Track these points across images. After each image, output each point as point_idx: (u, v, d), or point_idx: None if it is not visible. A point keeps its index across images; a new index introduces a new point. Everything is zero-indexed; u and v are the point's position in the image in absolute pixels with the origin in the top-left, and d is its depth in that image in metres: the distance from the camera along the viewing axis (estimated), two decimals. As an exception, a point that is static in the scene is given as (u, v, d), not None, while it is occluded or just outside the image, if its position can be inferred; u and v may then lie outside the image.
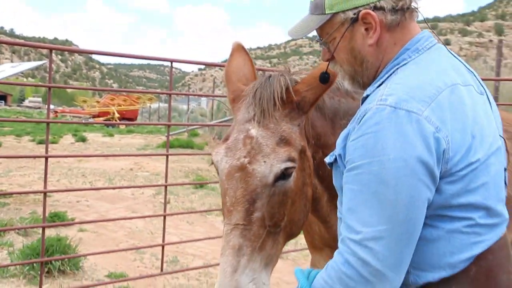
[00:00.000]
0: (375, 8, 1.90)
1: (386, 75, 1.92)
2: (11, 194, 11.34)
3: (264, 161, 2.10)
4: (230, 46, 2.67)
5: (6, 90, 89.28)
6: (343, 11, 1.94)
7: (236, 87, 2.45)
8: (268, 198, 2.09)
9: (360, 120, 1.79)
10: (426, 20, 2.13)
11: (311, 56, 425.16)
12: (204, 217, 10.72)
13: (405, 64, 1.91)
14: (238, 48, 2.61)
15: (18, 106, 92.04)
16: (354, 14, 1.92)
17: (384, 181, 1.68)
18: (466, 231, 1.77)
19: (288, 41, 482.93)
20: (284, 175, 2.11)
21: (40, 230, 5.98)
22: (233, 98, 2.43)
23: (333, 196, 2.22)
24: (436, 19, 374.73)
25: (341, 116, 2.58)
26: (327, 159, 2.01)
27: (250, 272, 2.01)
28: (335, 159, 1.94)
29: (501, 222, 1.85)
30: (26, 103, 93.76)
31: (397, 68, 1.91)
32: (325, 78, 2.14)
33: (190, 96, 37.74)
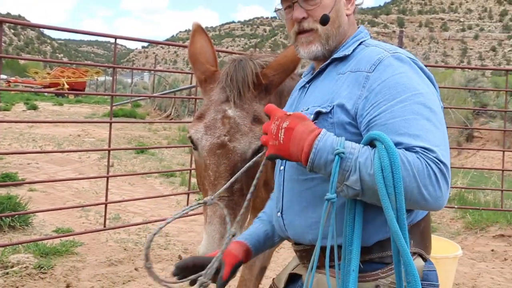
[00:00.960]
0: None
1: (355, 43, 1.95)
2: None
3: (243, 139, 2.18)
4: (191, 26, 2.60)
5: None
6: None
7: (205, 68, 2.43)
8: (246, 171, 2.03)
9: (375, 67, 1.76)
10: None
11: (242, 39, 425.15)
12: (144, 179, 10.71)
13: (365, 40, 1.97)
14: (199, 30, 2.55)
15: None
16: None
17: (431, 109, 1.68)
18: None
19: (222, 25, 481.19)
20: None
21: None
22: (204, 79, 2.42)
23: (273, 163, 2.18)
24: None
25: (285, 94, 2.59)
26: (322, 108, 1.84)
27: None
28: (332, 109, 1.80)
29: None
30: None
31: (361, 42, 1.96)
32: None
33: (134, 71, 37.28)
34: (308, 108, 1.90)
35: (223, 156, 2.17)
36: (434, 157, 1.56)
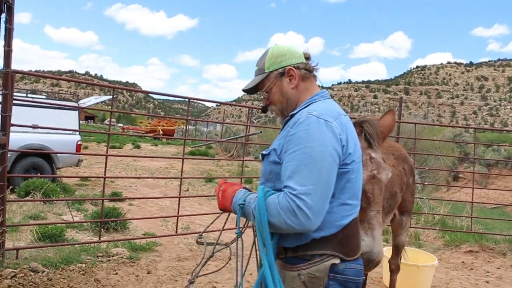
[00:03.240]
0: (295, 67, 2.04)
1: (305, 105, 2.00)
2: (88, 178, 11.42)
3: (384, 172, 2.39)
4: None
5: (93, 113, 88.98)
6: (276, 69, 2.05)
7: None
8: (384, 193, 2.37)
9: (295, 124, 1.85)
10: (323, 87, 2.18)
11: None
12: (209, 200, 10.67)
13: (316, 101, 2.00)
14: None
15: (100, 123, 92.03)
16: (282, 69, 2.04)
17: (312, 157, 1.75)
18: (346, 205, 1.88)
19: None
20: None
21: (105, 202, 6.06)
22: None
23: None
24: (369, 82, 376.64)
25: None
26: (265, 152, 2.03)
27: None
28: (270, 152, 1.99)
29: (357, 205, 1.96)
30: (105, 122, 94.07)
31: (311, 103, 1.99)
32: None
33: (208, 122, 37.83)
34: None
35: (375, 183, 2.36)
36: (295, 194, 1.71)
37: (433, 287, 5.38)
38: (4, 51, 4.35)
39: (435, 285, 5.48)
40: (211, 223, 2.42)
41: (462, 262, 6.72)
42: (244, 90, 2.15)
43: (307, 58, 2.12)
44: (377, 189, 2.32)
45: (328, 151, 1.79)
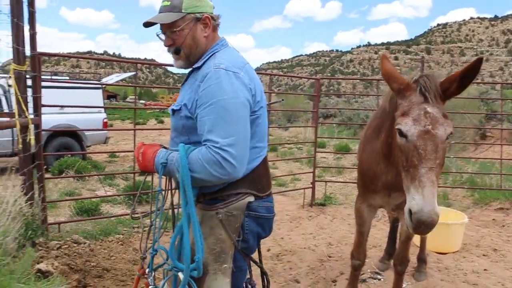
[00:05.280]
0: (210, 17, 2.06)
1: (208, 56, 2.04)
2: (117, 152, 11.67)
3: (441, 128, 2.23)
4: (379, 56, 2.72)
5: (115, 90, 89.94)
6: (193, 13, 2.03)
7: (401, 81, 2.45)
8: (442, 150, 2.23)
9: (204, 79, 1.91)
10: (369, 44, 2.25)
11: (309, 67, 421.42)
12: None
13: (218, 51, 2.04)
14: (385, 56, 2.62)
15: (123, 101, 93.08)
16: (199, 15, 2.04)
17: (228, 110, 1.84)
18: (256, 148, 2.04)
19: (293, 57, 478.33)
20: (448, 137, 2.25)
21: (133, 176, 6.25)
22: (402, 88, 2.43)
23: None
24: (389, 43, 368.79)
25: None
26: (174, 107, 2.06)
27: (436, 198, 2.11)
28: (180, 107, 2.02)
29: (265, 147, 2.11)
30: (127, 100, 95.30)
31: (214, 53, 2.03)
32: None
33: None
34: (174, 104, 2.10)
35: (429, 139, 2.21)
36: (218, 147, 1.80)
37: (464, 245, 5.40)
38: (30, 34, 4.46)
39: (466, 242, 5.49)
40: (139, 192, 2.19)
41: (493, 219, 6.69)
42: (146, 23, 2.05)
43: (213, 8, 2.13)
44: (430, 145, 2.20)
45: (242, 102, 1.88)
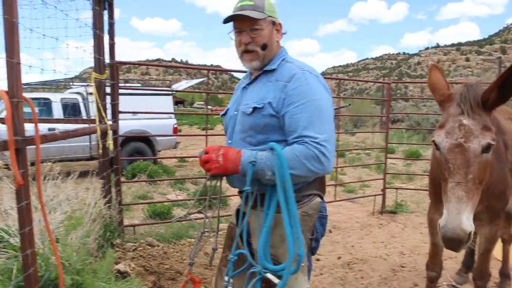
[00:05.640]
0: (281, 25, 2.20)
1: (279, 60, 2.13)
2: (187, 158, 11.96)
3: (475, 140, 2.15)
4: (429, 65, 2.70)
5: (182, 97, 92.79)
6: (272, 17, 2.13)
7: (443, 92, 2.44)
8: (477, 165, 2.13)
9: (291, 79, 2.00)
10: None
11: (374, 70, 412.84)
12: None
13: (285, 57, 2.16)
14: (434, 67, 2.62)
15: (190, 107, 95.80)
16: (276, 20, 2.15)
17: (319, 109, 1.94)
18: None
19: (359, 61, 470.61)
20: (487, 149, 2.16)
21: (203, 181, 6.35)
22: (443, 99, 2.41)
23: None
24: (460, 44, 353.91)
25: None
26: (256, 105, 2.07)
27: (467, 214, 2.03)
28: (263, 106, 2.04)
29: None
30: (195, 105, 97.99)
31: (283, 59, 2.14)
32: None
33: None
34: (248, 104, 2.10)
35: (460, 152, 2.15)
36: (317, 142, 1.88)
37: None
38: (109, 44, 4.67)
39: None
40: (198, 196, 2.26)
41: None
42: (229, 17, 2.11)
43: None
44: (460, 159, 2.13)
45: (329, 103, 2.03)
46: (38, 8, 3.11)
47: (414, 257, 5.12)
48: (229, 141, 2.21)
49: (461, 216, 2.01)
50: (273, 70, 2.11)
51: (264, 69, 2.15)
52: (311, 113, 1.93)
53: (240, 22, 2.09)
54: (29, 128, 2.29)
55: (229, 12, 2.13)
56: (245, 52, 2.13)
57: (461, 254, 4.68)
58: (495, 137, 2.19)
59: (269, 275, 1.91)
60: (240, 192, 2.21)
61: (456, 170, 2.12)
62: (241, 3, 2.10)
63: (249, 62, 2.15)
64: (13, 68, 2.07)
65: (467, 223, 2.00)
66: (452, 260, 4.96)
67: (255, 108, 2.06)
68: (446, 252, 4.78)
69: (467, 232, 1.98)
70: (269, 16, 2.11)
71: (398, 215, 7.10)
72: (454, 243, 2.00)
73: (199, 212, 2.38)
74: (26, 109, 2.28)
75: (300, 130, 1.92)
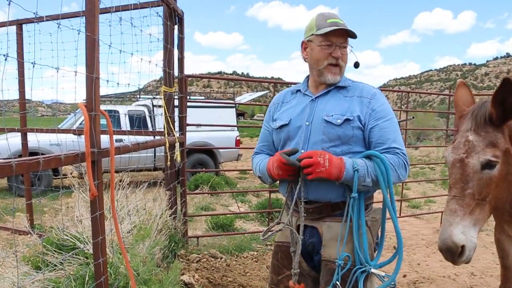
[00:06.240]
0: None
1: (346, 79, 2.29)
2: (249, 170, 12.01)
3: (475, 156, 2.19)
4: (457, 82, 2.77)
5: (243, 109, 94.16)
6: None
7: (462, 109, 2.48)
8: (476, 181, 2.17)
9: (373, 97, 2.17)
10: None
11: (438, 82, 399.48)
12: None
13: (346, 77, 2.31)
14: (461, 84, 2.68)
15: (250, 119, 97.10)
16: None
17: (397, 125, 2.17)
18: None
19: (422, 73, 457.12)
20: (489, 166, 2.18)
21: (267, 194, 6.34)
22: (459, 116, 2.47)
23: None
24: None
25: None
26: (348, 116, 2.14)
27: (461, 227, 2.08)
28: (353, 118, 2.13)
29: None
30: (255, 118, 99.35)
31: (346, 78, 2.30)
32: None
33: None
34: (333, 115, 2.16)
35: (460, 167, 2.22)
36: (402, 152, 2.11)
37: None
38: (178, 58, 4.77)
39: None
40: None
41: None
42: (345, 29, 2.17)
43: None
44: (458, 174, 2.20)
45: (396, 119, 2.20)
46: (113, 25, 3.22)
47: (485, 278, 4.81)
48: (302, 151, 2.19)
49: (452, 228, 2.08)
50: (345, 87, 2.25)
51: (337, 84, 2.25)
52: (394, 127, 2.14)
53: (336, 37, 2.17)
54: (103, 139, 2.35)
55: (323, 26, 2.19)
56: (333, 65, 2.21)
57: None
58: (499, 154, 2.19)
59: (374, 270, 2.11)
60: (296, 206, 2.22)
61: (454, 184, 2.21)
62: (334, 19, 2.19)
63: (334, 76, 2.22)
64: (93, 82, 2.13)
65: (458, 235, 2.06)
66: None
67: (346, 120, 2.14)
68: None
69: (459, 244, 2.05)
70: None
71: (468, 235, 6.70)
72: (445, 254, 2.10)
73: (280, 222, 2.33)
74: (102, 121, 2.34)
75: (390, 142, 2.11)
